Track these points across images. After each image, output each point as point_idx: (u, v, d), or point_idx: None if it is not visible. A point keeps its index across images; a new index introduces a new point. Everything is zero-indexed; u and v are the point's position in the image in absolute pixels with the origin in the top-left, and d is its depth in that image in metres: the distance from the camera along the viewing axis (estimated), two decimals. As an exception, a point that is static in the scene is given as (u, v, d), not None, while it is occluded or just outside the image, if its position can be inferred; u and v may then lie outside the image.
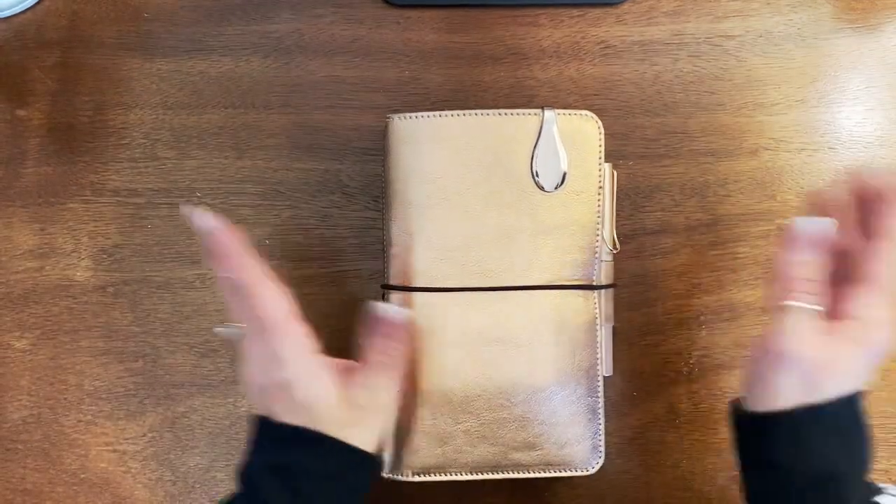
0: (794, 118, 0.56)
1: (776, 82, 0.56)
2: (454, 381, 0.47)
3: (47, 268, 0.55)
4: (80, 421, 0.53)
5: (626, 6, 0.57)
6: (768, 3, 0.57)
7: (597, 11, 0.57)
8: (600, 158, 0.49)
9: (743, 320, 0.54)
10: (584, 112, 0.48)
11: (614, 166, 0.51)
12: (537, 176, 0.48)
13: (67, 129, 0.56)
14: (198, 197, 0.55)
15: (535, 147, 0.48)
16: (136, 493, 0.53)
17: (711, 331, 0.54)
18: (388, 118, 0.48)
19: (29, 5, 0.57)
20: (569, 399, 0.47)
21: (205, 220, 0.42)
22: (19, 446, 0.53)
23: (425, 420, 0.47)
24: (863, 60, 0.56)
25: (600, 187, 0.49)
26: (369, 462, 0.41)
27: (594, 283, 0.49)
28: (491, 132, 0.48)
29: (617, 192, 0.52)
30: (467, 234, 0.48)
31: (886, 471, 0.52)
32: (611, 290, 0.51)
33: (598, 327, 0.49)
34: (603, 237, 0.49)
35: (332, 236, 0.55)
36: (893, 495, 0.40)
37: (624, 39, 0.56)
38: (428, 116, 0.48)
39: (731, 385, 0.53)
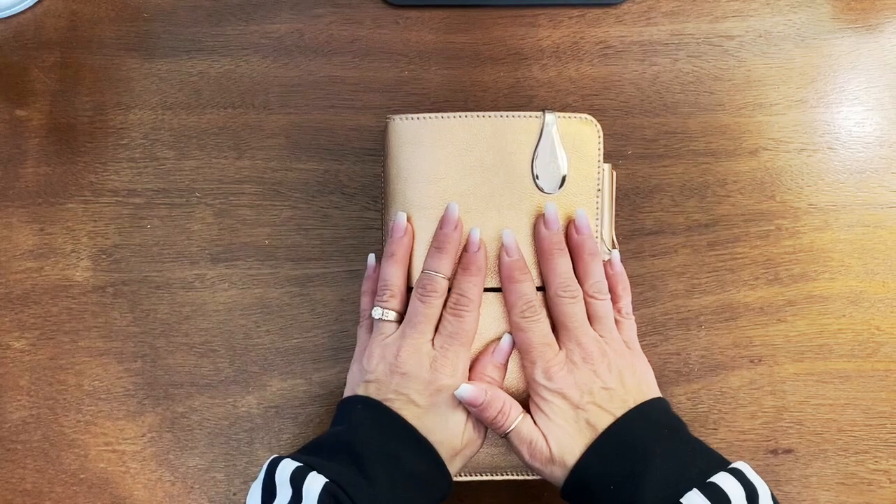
0: (793, 118, 0.56)
1: (775, 82, 0.56)
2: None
3: (46, 268, 0.55)
4: (79, 421, 0.53)
5: (625, 7, 0.57)
6: (768, 4, 0.57)
7: (596, 12, 0.57)
8: (599, 161, 0.49)
9: (742, 320, 0.54)
10: (583, 115, 0.49)
11: (614, 166, 0.51)
12: (538, 178, 0.48)
13: (67, 129, 0.56)
14: (197, 197, 0.55)
15: (535, 149, 0.48)
16: (135, 493, 0.53)
17: (711, 331, 0.54)
18: (389, 119, 0.48)
19: (28, 5, 0.57)
20: None
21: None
22: (19, 446, 0.53)
23: None
24: (862, 61, 0.56)
25: (599, 190, 0.49)
26: (448, 483, 0.44)
27: None
28: (492, 134, 0.48)
29: (616, 192, 0.52)
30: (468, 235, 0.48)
31: (886, 471, 0.52)
32: None
33: None
34: (602, 237, 0.49)
35: (331, 236, 0.55)
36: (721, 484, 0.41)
37: (623, 40, 0.56)
38: (428, 118, 0.48)
39: (731, 385, 0.53)
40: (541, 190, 0.48)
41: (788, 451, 0.52)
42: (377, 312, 0.47)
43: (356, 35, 0.57)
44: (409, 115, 0.48)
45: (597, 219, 0.49)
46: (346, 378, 0.49)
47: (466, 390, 0.44)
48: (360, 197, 0.55)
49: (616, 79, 0.56)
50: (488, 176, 0.48)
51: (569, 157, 0.48)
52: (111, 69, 0.57)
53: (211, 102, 0.56)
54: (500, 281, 0.47)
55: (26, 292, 0.55)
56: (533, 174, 0.48)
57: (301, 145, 0.56)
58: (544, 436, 0.44)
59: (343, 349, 0.54)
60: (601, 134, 0.49)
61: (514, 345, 0.47)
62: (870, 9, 0.57)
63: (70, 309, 0.54)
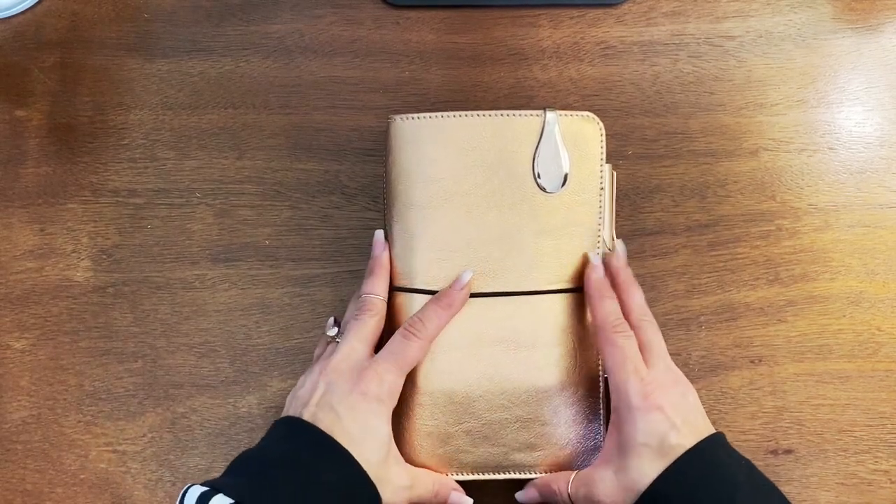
0: (793, 119, 0.56)
1: (776, 83, 0.56)
2: (456, 382, 0.47)
3: (47, 268, 0.55)
4: (79, 421, 0.53)
5: (625, 7, 0.57)
6: (768, 4, 0.57)
7: (596, 12, 0.57)
8: (602, 159, 0.49)
9: (742, 321, 0.54)
10: (585, 113, 0.48)
11: (614, 167, 0.51)
12: (539, 177, 0.47)
13: (67, 129, 0.56)
14: (198, 197, 0.55)
15: (536, 148, 0.48)
16: (135, 493, 0.53)
17: (711, 331, 0.54)
18: (391, 119, 0.48)
19: (28, 6, 0.57)
20: (570, 400, 0.48)
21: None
22: (19, 447, 0.53)
23: (426, 420, 0.47)
24: (863, 61, 0.56)
25: (601, 188, 0.48)
26: (375, 497, 0.42)
27: None
28: (493, 133, 0.48)
29: (617, 192, 0.52)
30: (469, 235, 0.47)
31: (886, 471, 0.52)
32: None
33: None
34: (603, 237, 0.49)
35: (331, 236, 0.55)
36: None
37: (624, 40, 0.56)
38: (430, 117, 0.48)
39: (731, 385, 0.53)
40: (542, 189, 0.47)
41: (788, 452, 0.52)
42: (332, 331, 0.48)
43: (356, 35, 0.57)
44: (410, 115, 0.48)
45: (599, 217, 0.49)
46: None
47: (521, 496, 0.48)
48: (361, 197, 0.55)
49: (616, 79, 0.56)
50: (489, 175, 0.47)
51: (571, 155, 0.48)
52: (111, 69, 0.57)
53: (211, 103, 0.56)
54: (588, 297, 0.47)
55: (27, 292, 0.55)
56: (534, 173, 0.47)
57: (301, 145, 0.56)
58: (614, 468, 0.44)
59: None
60: (603, 131, 0.48)
61: None
62: (870, 9, 0.57)
63: (70, 309, 0.54)
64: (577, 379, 0.48)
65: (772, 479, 0.43)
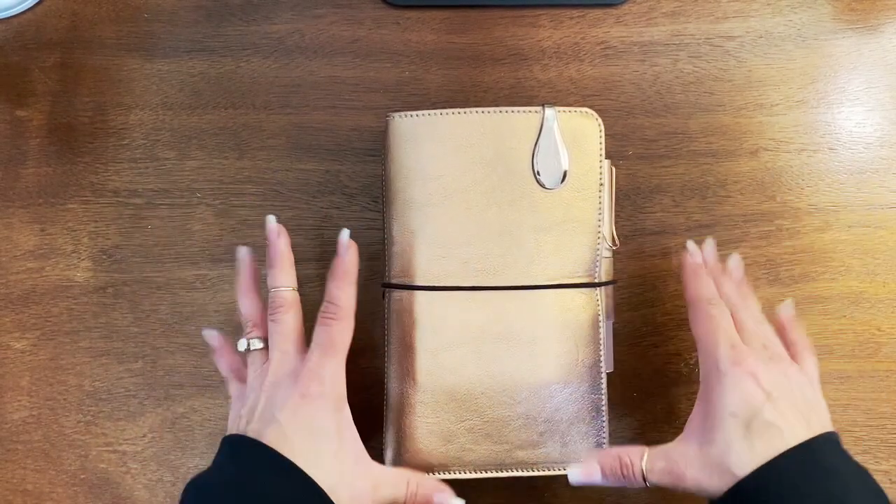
0: (794, 119, 0.56)
1: (776, 83, 0.56)
2: (457, 379, 0.47)
3: (47, 268, 0.55)
4: (79, 421, 0.53)
5: (626, 7, 0.57)
6: (768, 4, 0.57)
7: (597, 12, 0.57)
8: (601, 155, 0.49)
9: (743, 321, 0.53)
10: (584, 109, 0.48)
11: (615, 166, 0.51)
12: (538, 174, 0.48)
13: (67, 129, 0.56)
14: (198, 197, 0.55)
15: (535, 145, 0.48)
16: (135, 493, 0.53)
17: (711, 331, 0.53)
18: (389, 117, 0.48)
19: (29, 6, 0.57)
20: (572, 397, 0.47)
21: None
22: (19, 447, 0.53)
23: (428, 418, 0.47)
24: (863, 61, 0.56)
25: (601, 184, 0.49)
26: None
27: (596, 280, 0.49)
28: (491, 130, 0.48)
29: (617, 192, 0.52)
30: (469, 232, 0.47)
31: (887, 471, 0.52)
32: (611, 287, 0.51)
33: (600, 324, 0.48)
34: (603, 234, 0.49)
35: (332, 237, 0.54)
36: None
37: (624, 40, 0.56)
38: (427, 114, 0.48)
39: (731, 386, 0.53)
40: (542, 186, 0.48)
41: (789, 452, 0.52)
42: (242, 344, 0.45)
43: (357, 35, 0.57)
44: (409, 113, 0.48)
45: (599, 214, 0.49)
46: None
47: (577, 473, 0.43)
48: (361, 197, 0.55)
49: (617, 79, 0.56)
50: (488, 172, 0.48)
51: (570, 151, 0.48)
52: (112, 69, 0.57)
53: (212, 103, 0.56)
54: (684, 277, 0.47)
55: (27, 293, 0.54)
56: (534, 170, 0.48)
57: (301, 145, 0.56)
58: (701, 442, 0.40)
59: (344, 349, 0.54)
60: (602, 127, 0.49)
61: None
62: (870, 9, 0.57)
63: (71, 309, 0.54)
64: (580, 375, 0.48)
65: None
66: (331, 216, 0.55)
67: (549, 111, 0.48)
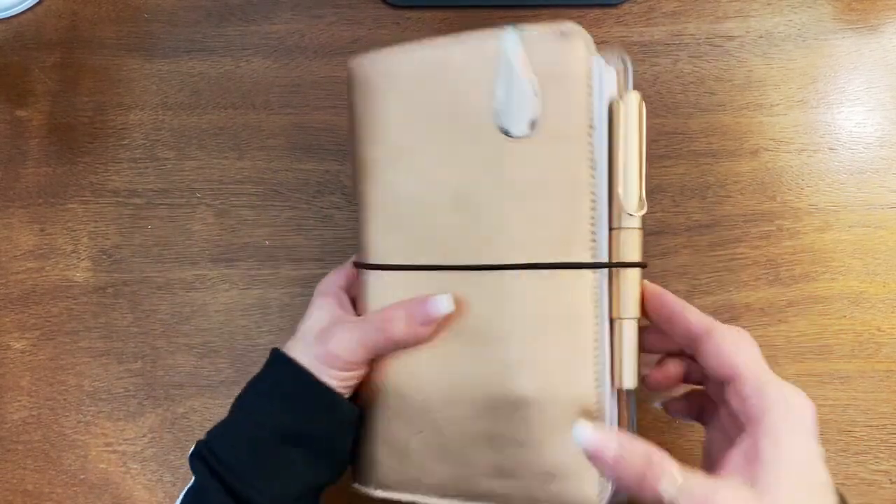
0: (794, 119, 0.55)
1: (776, 83, 0.56)
2: (408, 381, 0.39)
3: (47, 268, 0.55)
4: (79, 422, 0.53)
5: (626, 7, 0.57)
6: (769, 4, 0.57)
7: (597, 12, 0.57)
8: (589, 86, 0.36)
9: (743, 321, 0.53)
10: (563, 25, 0.36)
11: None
12: (500, 119, 0.36)
13: (67, 129, 0.56)
14: (198, 197, 0.55)
15: (496, 79, 0.36)
16: (135, 493, 0.53)
17: (711, 331, 0.53)
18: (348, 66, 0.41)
19: (29, 6, 0.57)
20: (556, 418, 0.36)
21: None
22: (19, 447, 0.53)
23: (379, 421, 0.40)
24: (863, 61, 0.56)
25: (591, 127, 0.36)
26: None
27: (595, 260, 0.36)
28: (442, 66, 0.37)
29: (648, 142, 0.41)
30: (419, 199, 0.38)
31: (887, 471, 0.52)
32: (637, 272, 0.38)
33: (598, 321, 0.37)
34: (619, 196, 0.37)
35: (331, 237, 0.55)
36: None
37: (624, 40, 0.56)
38: (375, 54, 0.39)
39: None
40: (506, 134, 0.36)
41: (789, 452, 0.52)
42: None
43: (356, 35, 0.57)
44: (366, 55, 0.39)
45: (592, 168, 0.36)
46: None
47: (587, 436, 0.32)
48: (361, 197, 0.55)
49: (617, 79, 0.56)
50: (442, 122, 0.37)
51: (544, 83, 0.35)
52: (111, 69, 0.57)
53: (211, 103, 0.56)
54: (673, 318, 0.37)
55: (27, 293, 0.54)
56: (494, 113, 0.36)
57: (302, 146, 0.55)
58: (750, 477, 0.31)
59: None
60: (591, 45, 0.36)
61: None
62: (871, 9, 0.57)
63: (70, 309, 0.54)
64: (563, 388, 0.36)
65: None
66: (331, 216, 0.55)
67: (510, 33, 0.36)
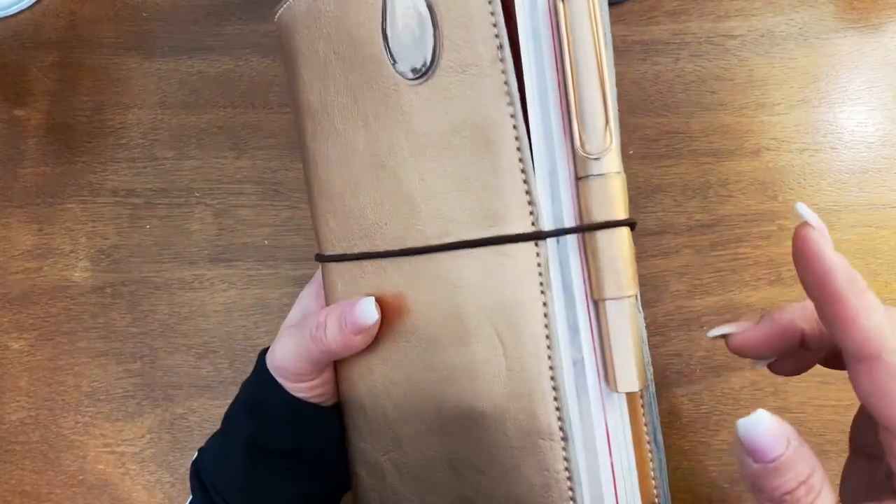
0: (795, 118, 0.55)
1: (778, 82, 0.56)
2: (367, 391, 0.33)
3: (45, 268, 0.54)
4: (78, 422, 0.53)
5: (627, 6, 0.56)
6: (770, 3, 0.57)
7: (597, 11, 0.56)
8: (491, 2, 0.27)
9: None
10: None
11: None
12: (395, 62, 0.29)
13: (66, 129, 0.56)
14: (197, 197, 0.55)
15: (383, 11, 0.29)
16: (134, 494, 0.52)
17: (713, 332, 0.53)
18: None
19: (27, 5, 0.57)
20: (511, 436, 0.28)
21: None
22: (17, 448, 0.53)
23: (354, 439, 0.35)
24: (865, 60, 0.56)
25: (500, 47, 0.27)
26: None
27: (541, 229, 0.27)
28: (336, 5, 0.31)
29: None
30: (343, 172, 0.32)
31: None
32: (621, 234, 0.27)
33: (553, 309, 0.27)
34: (575, 133, 0.26)
35: (331, 237, 0.55)
36: None
37: (625, 39, 0.56)
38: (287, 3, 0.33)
39: (733, 387, 0.53)
40: (403, 76, 0.29)
41: (790, 453, 0.52)
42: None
43: (356, 34, 0.57)
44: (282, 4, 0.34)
45: (509, 104, 0.27)
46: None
47: (758, 425, 0.24)
48: (361, 197, 0.55)
49: (617, 78, 0.56)
50: (346, 75, 0.31)
51: (436, 8, 0.28)
52: (110, 69, 0.56)
53: (210, 102, 0.56)
54: (819, 289, 0.26)
55: (25, 293, 0.54)
56: (389, 55, 0.29)
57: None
58: None
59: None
60: None
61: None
62: (872, 8, 0.57)
63: (69, 309, 0.54)
64: (522, 400, 0.28)
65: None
66: (330, 216, 0.55)
67: None
